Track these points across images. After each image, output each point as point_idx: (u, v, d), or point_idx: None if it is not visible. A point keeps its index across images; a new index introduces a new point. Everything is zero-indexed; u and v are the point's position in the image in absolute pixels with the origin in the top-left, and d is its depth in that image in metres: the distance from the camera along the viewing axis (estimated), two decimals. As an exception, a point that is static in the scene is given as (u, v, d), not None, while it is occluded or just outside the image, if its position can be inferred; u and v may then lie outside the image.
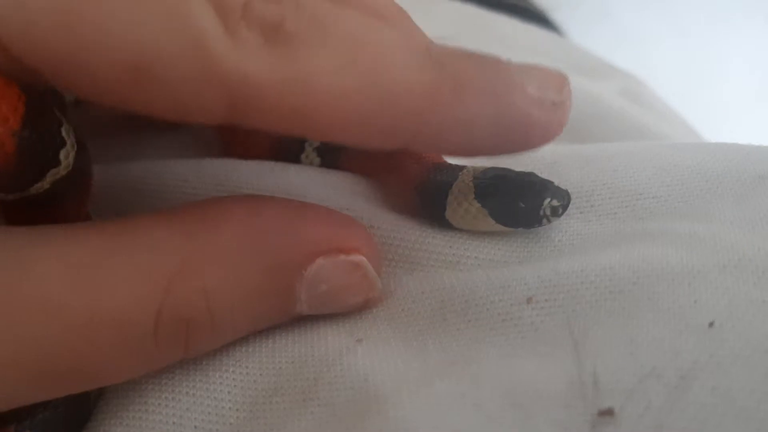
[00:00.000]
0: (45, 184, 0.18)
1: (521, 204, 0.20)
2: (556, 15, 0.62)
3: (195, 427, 0.19)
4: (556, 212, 0.20)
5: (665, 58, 0.82)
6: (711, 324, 0.17)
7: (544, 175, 0.21)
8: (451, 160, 0.24)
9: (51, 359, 0.16)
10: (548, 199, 0.20)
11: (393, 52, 0.16)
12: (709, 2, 0.90)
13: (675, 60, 0.83)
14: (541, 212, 0.20)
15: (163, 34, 0.15)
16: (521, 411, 0.16)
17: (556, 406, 0.16)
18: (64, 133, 0.18)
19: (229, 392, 0.19)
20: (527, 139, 0.18)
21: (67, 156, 0.18)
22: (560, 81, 0.18)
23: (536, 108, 0.17)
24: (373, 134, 0.17)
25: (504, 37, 0.40)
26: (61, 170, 0.18)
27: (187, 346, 0.18)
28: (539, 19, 0.57)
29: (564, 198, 0.21)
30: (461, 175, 0.22)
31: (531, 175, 0.21)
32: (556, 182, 0.21)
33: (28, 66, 0.15)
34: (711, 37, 0.86)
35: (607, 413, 0.16)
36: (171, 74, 0.15)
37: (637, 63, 0.47)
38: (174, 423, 0.19)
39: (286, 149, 0.25)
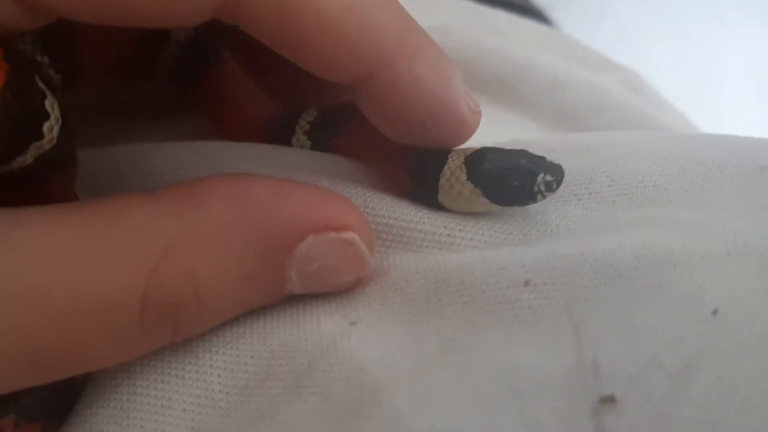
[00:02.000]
0: (28, 158, 0.18)
1: (515, 182, 0.20)
2: (554, 14, 0.62)
3: (184, 410, 0.18)
4: (550, 187, 0.20)
5: (663, 58, 0.82)
6: (714, 312, 0.17)
7: None
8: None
9: (35, 346, 0.16)
10: (542, 175, 0.20)
11: None
12: (706, 2, 0.90)
13: (672, 59, 0.83)
14: (535, 188, 0.20)
15: None
16: (519, 398, 0.16)
17: (555, 393, 0.16)
18: (47, 106, 0.18)
19: (219, 375, 0.19)
20: (452, 128, 0.20)
21: (50, 130, 0.18)
22: (476, 101, 0.21)
23: (465, 106, 0.20)
24: (344, 56, 0.18)
25: (501, 29, 0.40)
26: (44, 144, 0.18)
27: (175, 329, 0.18)
28: (538, 17, 0.57)
29: (557, 173, 0.20)
30: (451, 157, 0.21)
31: (522, 152, 0.21)
32: (548, 158, 0.21)
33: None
34: (709, 36, 0.86)
35: (609, 400, 0.15)
36: None
37: (634, 62, 0.47)
38: (162, 405, 0.18)
39: (276, 132, 0.25)
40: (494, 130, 0.32)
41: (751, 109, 0.82)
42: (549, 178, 0.20)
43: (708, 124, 0.47)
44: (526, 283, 0.19)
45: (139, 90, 0.28)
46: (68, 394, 0.19)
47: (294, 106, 0.25)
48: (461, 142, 0.21)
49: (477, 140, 0.25)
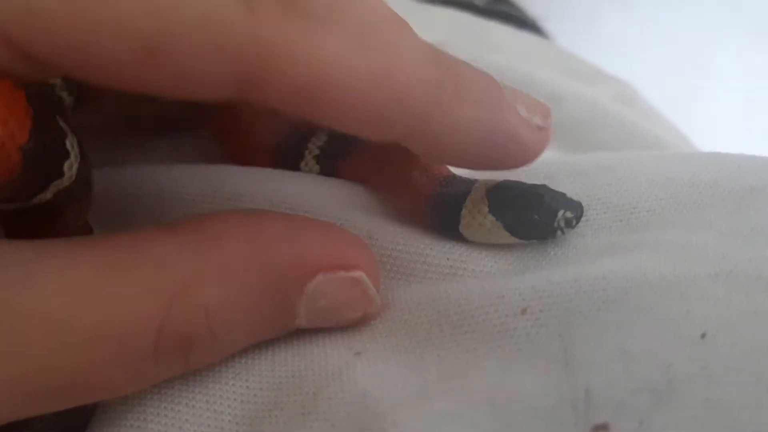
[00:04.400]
0: (47, 194, 0.18)
1: (536, 216, 0.21)
2: (546, 24, 0.62)
3: None
4: (570, 224, 0.21)
5: (653, 68, 0.83)
6: (703, 335, 0.17)
7: None
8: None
9: (51, 375, 0.16)
10: (562, 211, 0.21)
11: (402, 46, 0.17)
12: (697, 13, 0.90)
13: (663, 69, 0.84)
14: (555, 224, 0.21)
15: (176, 6, 0.15)
16: (515, 429, 0.16)
17: (549, 423, 0.16)
18: (68, 145, 0.18)
19: (228, 405, 0.19)
20: (512, 156, 0.19)
21: (70, 167, 0.18)
22: (545, 109, 0.19)
23: (524, 128, 0.19)
24: (374, 122, 0.17)
25: (498, 44, 0.41)
26: (64, 181, 0.18)
27: (187, 361, 0.18)
28: (530, 27, 0.57)
29: (577, 209, 0.21)
30: (474, 188, 0.22)
31: (543, 187, 0.21)
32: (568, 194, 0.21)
33: (36, 57, 0.15)
34: (699, 46, 0.87)
35: (602, 428, 0.16)
36: (185, 48, 0.15)
37: (625, 72, 0.47)
38: None
39: (285, 156, 0.25)
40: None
41: (740, 118, 0.83)
42: (569, 215, 0.21)
43: (698, 134, 0.48)
44: (523, 311, 0.19)
45: (148, 110, 0.28)
46: (79, 420, 0.20)
47: (304, 129, 0.25)
48: (527, 164, 0.20)
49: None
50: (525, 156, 0.19)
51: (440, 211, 0.22)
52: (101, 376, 0.17)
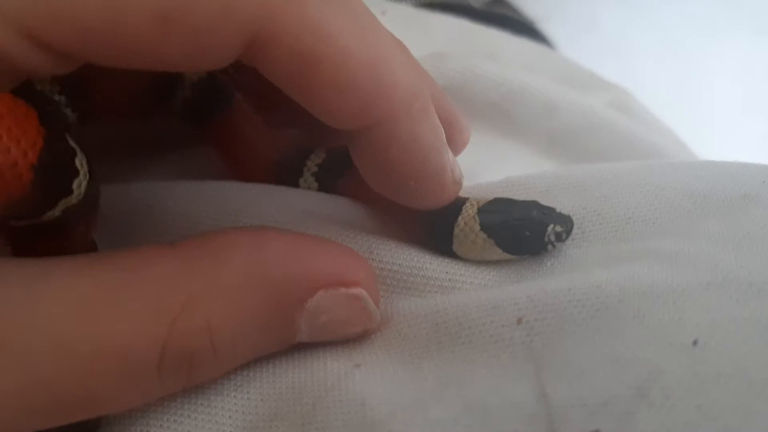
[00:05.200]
0: (56, 212, 0.19)
1: (526, 232, 0.21)
2: (545, 26, 0.63)
3: None
4: (560, 237, 0.21)
5: (652, 70, 0.83)
6: (695, 342, 0.17)
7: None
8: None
9: (56, 392, 0.16)
10: (551, 225, 0.21)
11: (393, 48, 0.19)
12: (696, 16, 0.90)
13: (662, 72, 0.84)
14: (546, 238, 0.21)
15: None
16: None
17: (542, 430, 0.17)
18: (77, 164, 0.19)
19: (230, 417, 0.20)
20: (429, 193, 0.21)
21: (79, 185, 0.19)
22: (461, 172, 0.21)
23: (449, 174, 0.21)
24: (352, 104, 0.18)
25: (495, 53, 0.41)
26: (73, 199, 0.19)
27: (190, 376, 0.18)
28: (529, 30, 0.57)
29: (567, 223, 0.21)
30: (465, 207, 0.22)
31: (533, 203, 0.22)
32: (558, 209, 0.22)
33: (55, 46, 0.15)
34: (698, 50, 0.87)
35: (595, 437, 0.16)
36: (199, 13, 0.15)
37: (624, 75, 0.47)
38: None
39: (284, 173, 0.26)
40: (489, 156, 0.33)
41: (739, 121, 0.83)
42: (559, 229, 0.21)
43: (697, 132, 0.48)
44: (519, 321, 0.19)
45: (152, 126, 0.29)
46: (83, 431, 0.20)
47: (303, 147, 0.26)
48: (435, 207, 0.22)
49: (474, 166, 0.26)
50: (440, 197, 0.21)
51: (433, 231, 0.23)
52: (105, 391, 0.17)
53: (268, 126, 0.26)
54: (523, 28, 0.58)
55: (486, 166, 0.29)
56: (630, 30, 0.89)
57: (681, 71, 0.85)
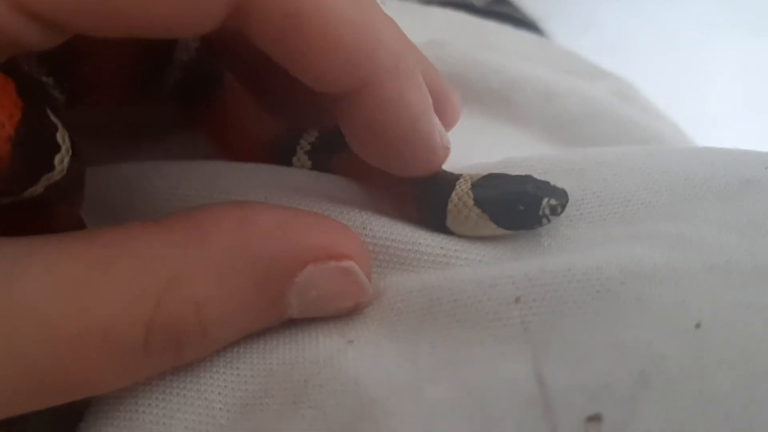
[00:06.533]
0: (38, 188, 0.18)
1: (520, 206, 0.21)
2: (546, 24, 0.62)
3: (185, 427, 0.19)
4: (555, 211, 0.21)
5: (652, 67, 0.83)
6: (698, 326, 0.17)
7: None
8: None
9: (40, 372, 0.16)
10: (546, 199, 0.21)
11: (383, 17, 0.19)
12: (695, 13, 0.90)
13: (662, 69, 0.84)
14: (540, 212, 0.21)
15: None
16: (510, 419, 0.16)
17: (540, 411, 0.16)
18: (59, 138, 0.18)
19: (219, 393, 0.19)
20: (420, 158, 0.21)
21: (61, 161, 0.18)
22: (448, 138, 0.21)
23: (438, 137, 0.20)
24: (336, 66, 0.18)
25: (493, 43, 0.41)
26: (55, 175, 0.18)
27: (178, 356, 0.18)
28: (529, 27, 0.57)
29: (562, 197, 0.21)
30: (459, 183, 0.22)
31: (527, 177, 0.22)
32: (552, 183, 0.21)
33: (43, 16, 0.15)
34: (697, 45, 0.87)
35: (595, 419, 0.16)
36: None
37: (624, 70, 0.47)
38: (164, 423, 0.19)
39: (277, 152, 0.25)
40: (488, 142, 0.33)
41: (739, 117, 0.83)
42: (553, 202, 0.21)
43: (697, 131, 0.48)
44: (517, 300, 0.19)
45: (141, 109, 0.28)
46: (72, 413, 0.20)
47: (295, 127, 0.26)
48: (427, 173, 0.21)
49: (473, 151, 0.25)
50: (431, 161, 0.21)
51: (427, 206, 0.22)
52: (91, 372, 0.17)
53: (261, 109, 0.26)
54: (524, 26, 0.57)
55: (485, 152, 0.28)
56: (629, 29, 0.90)
57: (680, 70, 0.85)
